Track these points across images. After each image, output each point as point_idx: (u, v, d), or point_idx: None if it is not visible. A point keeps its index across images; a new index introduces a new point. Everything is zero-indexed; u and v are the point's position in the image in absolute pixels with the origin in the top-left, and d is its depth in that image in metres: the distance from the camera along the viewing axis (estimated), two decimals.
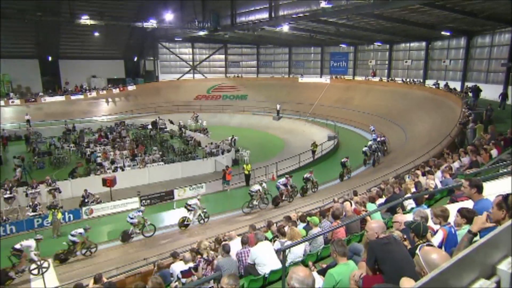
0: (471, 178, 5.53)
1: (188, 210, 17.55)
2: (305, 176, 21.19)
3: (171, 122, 41.96)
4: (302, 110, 43.28)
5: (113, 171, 23.47)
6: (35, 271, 12.78)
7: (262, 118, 44.87)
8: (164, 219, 19.05)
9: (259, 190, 19.20)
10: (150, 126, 38.79)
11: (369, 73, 46.44)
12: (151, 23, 41.88)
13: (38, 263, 12.82)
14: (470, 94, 26.63)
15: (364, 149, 25.48)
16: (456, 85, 32.55)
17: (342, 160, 23.44)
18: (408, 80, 40.11)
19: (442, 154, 15.77)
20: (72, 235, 14.67)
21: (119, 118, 43.27)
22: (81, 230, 14.85)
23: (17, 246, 12.83)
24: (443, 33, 32.49)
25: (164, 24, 43.36)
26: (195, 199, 18.01)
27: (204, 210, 18.07)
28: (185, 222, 17.47)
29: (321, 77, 51.44)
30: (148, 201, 20.42)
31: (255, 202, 19.25)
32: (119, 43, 53.42)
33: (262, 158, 30.23)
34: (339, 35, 40.70)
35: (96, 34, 47.41)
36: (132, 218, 16.33)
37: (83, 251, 14.86)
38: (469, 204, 5.47)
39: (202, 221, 17.91)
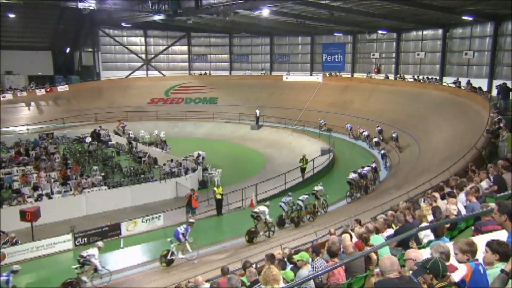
0: (501, 202, 5.55)
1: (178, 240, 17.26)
2: (314, 189, 22.06)
3: (117, 133, 41.68)
4: (288, 117, 43.82)
5: (36, 200, 22.92)
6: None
7: (237, 128, 45.13)
8: (111, 260, 18.57)
9: (264, 212, 19.18)
10: (88, 139, 38.44)
11: (372, 69, 47.45)
12: (88, 3, 40.89)
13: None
14: (496, 95, 27.27)
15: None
16: (481, 83, 33.04)
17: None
18: (421, 77, 41.16)
19: (466, 171, 16.02)
20: None
21: (45, 129, 42.72)
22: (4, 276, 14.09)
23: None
24: (464, 17, 32.98)
25: (107, 4, 43.16)
26: (182, 226, 17.80)
27: (191, 241, 17.79)
28: (169, 257, 17.23)
29: (311, 74, 52.32)
30: (85, 239, 19.86)
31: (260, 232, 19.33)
32: (45, 29, 52.78)
33: (238, 178, 30.22)
34: (334, 21, 41.53)
35: (11, 15, 46.46)
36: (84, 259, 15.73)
37: None
38: (501, 235, 5.50)
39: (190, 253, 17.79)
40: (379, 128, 35.87)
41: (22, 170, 28.29)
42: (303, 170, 29.29)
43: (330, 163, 31.70)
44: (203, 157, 31.97)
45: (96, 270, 15.75)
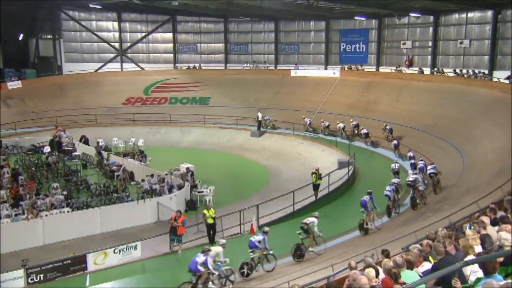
0: None
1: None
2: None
3: (85, 142, 41.76)
4: (297, 121, 43.77)
5: None
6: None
7: (234, 135, 45.27)
8: None
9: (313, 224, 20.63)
10: (47, 149, 38.35)
11: (402, 61, 47.50)
12: None
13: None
14: None
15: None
16: None
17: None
18: (464, 71, 41.16)
19: None
20: None
21: None
22: None
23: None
24: None
25: None
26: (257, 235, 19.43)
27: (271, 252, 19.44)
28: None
29: (326, 68, 52.60)
30: (41, 275, 19.66)
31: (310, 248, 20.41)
32: None
33: (235, 198, 30.26)
34: (355, 2, 41.58)
35: None
36: None
37: None
38: None
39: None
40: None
41: None
42: (316, 187, 29.12)
43: (350, 179, 31.56)
44: (192, 172, 31.83)
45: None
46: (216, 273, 17.87)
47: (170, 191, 28.72)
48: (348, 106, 44.94)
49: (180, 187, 29.40)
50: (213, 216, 23.49)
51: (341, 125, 40.83)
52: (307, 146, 40.13)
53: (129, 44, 58.23)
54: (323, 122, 42.68)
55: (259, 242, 19.15)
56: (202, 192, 30.08)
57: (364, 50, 51.08)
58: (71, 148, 39.47)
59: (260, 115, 44.45)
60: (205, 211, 23.77)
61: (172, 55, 58.68)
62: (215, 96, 51.83)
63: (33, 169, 33.77)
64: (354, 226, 23.92)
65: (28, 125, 45.71)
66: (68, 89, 52.06)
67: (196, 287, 17.48)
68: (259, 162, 39.24)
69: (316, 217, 20.60)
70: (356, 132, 40.63)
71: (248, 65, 56.30)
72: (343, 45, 52.33)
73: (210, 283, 17.70)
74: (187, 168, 32.12)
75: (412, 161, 30.75)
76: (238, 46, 58.33)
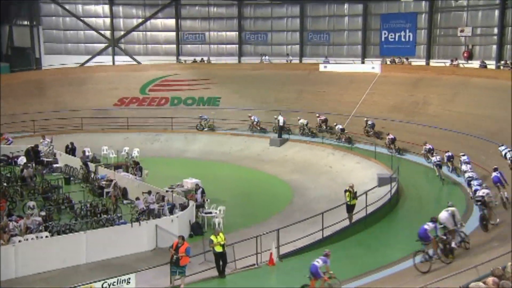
0: None
1: None
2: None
3: (71, 151, 41.64)
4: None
5: None
6: None
7: (249, 142, 45.35)
8: None
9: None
10: (22, 160, 38.57)
11: (460, 53, 47.14)
12: None
13: None
14: None
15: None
16: None
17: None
18: None
19: None
20: None
21: None
22: None
23: None
24: None
25: None
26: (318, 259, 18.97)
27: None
28: None
29: (363, 62, 52.65)
30: None
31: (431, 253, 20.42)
32: None
33: (250, 220, 30.19)
34: None
35: None
36: None
37: None
38: None
39: None
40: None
41: None
42: (350, 208, 28.77)
43: (393, 198, 31.22)
44: (203, 190, 31.62)
45: None
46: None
47: (171, 211, 28.54)
48: (391, 108, 44.84)
49: (183, 207, 29.09)
50: (223, 243, 23.26)
51: (303, 121, 45.29)
52: (339, 157, 39.91)
53: (122, 33, 58.73)
54: (318, 117, 45.31)
55: (320, 268, 19.00)
56: (210, 213, 29.77)
57: (411, 39, 50.91)
58: (51, 159, 39.53)
59: (281, 119, 44.29)
60: (212, 237, 23.57)
61: (174, 46, 59.09)
62: (226, 96, 52.06)
63: (5, 184, 33.60)
64: (398, 257, 23.63)
65: None
66: (48, 87, 52.57)
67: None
68: (280, 176, 39.05)
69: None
70: (324, 127, 44.94)
71: (267, 58, 56.43)
72: (385, 33, 52.21)
73: None
74: (196, 185, 31.94)
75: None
76: (255, 35, 58.59)
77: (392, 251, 24.10)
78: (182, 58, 58.50)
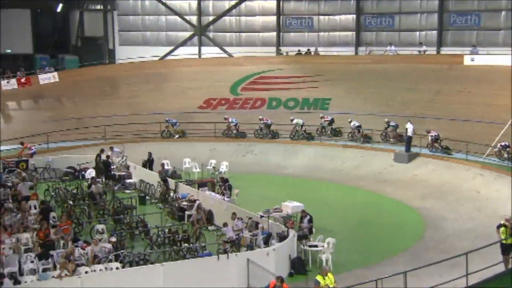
0: None
1: None
2: None
3: (147, 164, 42.39)
4: (473, 139, 42.60)
5: None
6: None
7: (367, 157, 45.12)
8: None
9: None
10: (90, 173, 39.67)
11: None
12: None
13: None
14: None
15: None
16: None
17: None
18: None
19: None
20: None
21: (14, 153, 44.03)
22: None
23: None
24: None
25: None
26: None
27: None
28: None
29: None
30: None
31: None
32: None
33: (368, 258, 29.69)
34: None
35: None
36: None
37: None
38: None
39: None
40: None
41: None
42: (505, 248, 28.10)
43: None
44: (311, 218, 31.47)
45: None
46: None
47: (266, 242, 28.31)
48: None
49: (282, 237, 28.67)
50: (332, 286, 23.45)
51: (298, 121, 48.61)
52: (490, 180, 38.70)
53: (211, 18, 59.76)
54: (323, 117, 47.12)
55: None
56: (315, 246, 29.29)
57: None
58: (124, 173, 40.56)
59: (410, 127, 43.49)
60: (319, 278, 23.56)
61: (274, 34, 59.58)
62: (338, 97, 51.99)
63: (70, 202, 34.29)
64: None
65: (65, 137, 47.49)
66: (122, 85, 54.15)
67: None
68: (408, 202, 38.34)
69: None
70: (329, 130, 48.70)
71: (392, 48, 55.99)
72: None
73: None
74: (303, 211, 31.53)
75: None
76: (378, 18, 58.41)
77: None
78: (283, 49, 58.82)
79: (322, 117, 47.73)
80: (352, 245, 31.46)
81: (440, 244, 30.92)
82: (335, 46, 58.15)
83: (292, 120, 47.87)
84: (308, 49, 57.71)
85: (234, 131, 48.50)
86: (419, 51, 55.43)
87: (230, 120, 48.70)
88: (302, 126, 48.04)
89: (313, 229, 31.13)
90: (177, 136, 48.08)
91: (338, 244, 29.61)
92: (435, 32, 55.72)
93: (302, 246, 29.65)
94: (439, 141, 43.65)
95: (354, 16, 58.18)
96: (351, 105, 50.71)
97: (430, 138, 43.25)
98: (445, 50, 54.84)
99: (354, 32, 58.27)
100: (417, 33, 56.73)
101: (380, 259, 29.45)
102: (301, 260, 28.96)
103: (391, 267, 27.13)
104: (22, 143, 43.42)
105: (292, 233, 29.32)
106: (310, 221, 31.05)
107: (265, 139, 48.64)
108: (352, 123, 47.43)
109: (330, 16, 59.05)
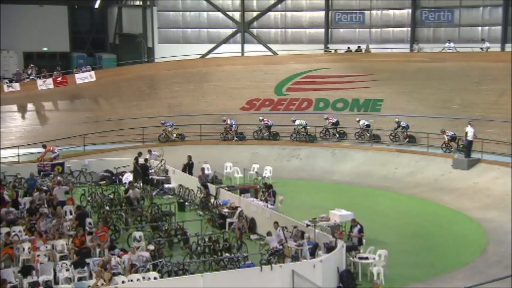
0: None
1: None
2: None
3: (186, 168, 42.51)
4: None
5: None
6: None
7: (422, 163, 44.91)
8: None
9: None
10: (128, 178, 40.13)
11: None
12: None
13: None
14: None
15: None
16: None
17: None
18: None
19: None
20: None
21: (45, 157, 44.36)
22: None
23: None
24: None
25: None
26: None
27: None
28: None
29: None
30: None
31: None
32: None
33: (423, 272, 29.42)
34: None
35: None
36: None
37: None
38: None
39: None
40: None
41: (6, 235, 29.04)
42: None
43: None
44: (361, 228, 31.38)
45: None
46: None
47: (313, 253, 28.26)
48: None
49: (329, 248, 28.49)
50: None
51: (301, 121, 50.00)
52: None
53: (255, 14, 60.06)
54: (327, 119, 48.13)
55: None
56: (366, 258, 29.14)
57: None
58: (163, 177, 40.76)
59: (470, 130, 43.05)
60: None
61: (322, 30, 59.63)
62: (391, 98, 51.97)
63: (107, 208, 34.62)
64: None
65: (102, 139, 48.10)
66: (161, 85, 54.38)
67: None
68: (468, 213, 37.91)
69: None
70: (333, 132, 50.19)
71: (452, 45, 55.28)
72: None
73: None
74: (353, 220, 31.26)
75: None
76: (436, 13, 58.02)
77: None
78: (332, 46, 58.75)
79: (326, 119, 48.44)
80: (406, 258, 31.13)
81: (504, 260, 30.01)
82: (388, 43, 58.02)
83: (294, 121, 48.40)
84: (359, 46, 57.53)
85: (234, 136, 49.17)
86: (481, 48, 54.87)
87: (228, 122, 49.10)
88: (305, 127, 48.57)
89: (364, 240, 30.81)
90: (174, 135, 48.41)
91: (390, 256, 29.42)
92: (499, 27, 55.14)
93: (351, 258, 29.41)
94: (456, 140, 44.23)
95: (410, 10, 57.93)
96: (406, 106, 50.57)
97: (446, 138, 43.37)
98: (510, 47, 53.79)
99: (409, 28, 58.00)
100: (479, 28, 56.27)
101: (437, 274, 29.04)
102: (350, 273, 28.62)
103: (449, 283, 27.14)
104: (44, 146, 44.19)
105: (341, 244, 28.93)
106: (361, 231, 30.76)
107: (310, 143, 48.63)
108: (361, 122, 48.68)
109: (383, 11, 59.01)
